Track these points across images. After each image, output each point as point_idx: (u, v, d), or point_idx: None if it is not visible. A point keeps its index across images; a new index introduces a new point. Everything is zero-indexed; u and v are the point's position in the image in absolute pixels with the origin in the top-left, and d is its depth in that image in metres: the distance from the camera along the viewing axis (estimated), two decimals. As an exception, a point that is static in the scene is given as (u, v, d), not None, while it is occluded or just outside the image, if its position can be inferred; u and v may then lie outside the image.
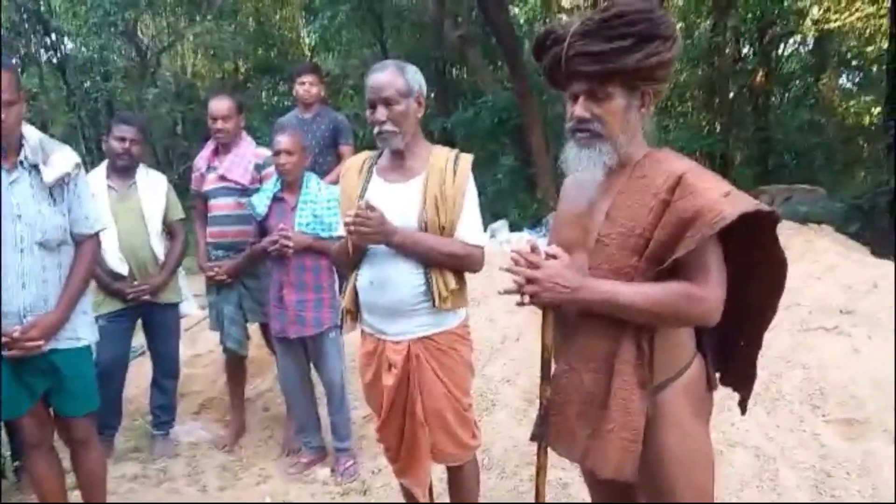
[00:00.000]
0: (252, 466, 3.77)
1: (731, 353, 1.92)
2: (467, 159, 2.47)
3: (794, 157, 13.04)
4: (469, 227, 2.41)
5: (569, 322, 1.83)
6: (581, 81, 1.72)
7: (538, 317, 1.84)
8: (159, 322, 3.83)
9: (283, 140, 3.45)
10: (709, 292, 1.64)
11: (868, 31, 12.92)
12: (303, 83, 4.46)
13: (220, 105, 3.76)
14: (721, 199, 1.59)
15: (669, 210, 1.64)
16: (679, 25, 14.31)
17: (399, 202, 2.39)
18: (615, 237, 1.72)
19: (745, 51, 13.20)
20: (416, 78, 2.43)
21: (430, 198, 2.37)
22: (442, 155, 2.46)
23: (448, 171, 2.40)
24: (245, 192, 3.70)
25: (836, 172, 12.53)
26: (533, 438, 1.90)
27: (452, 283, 2.41)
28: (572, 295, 1.71)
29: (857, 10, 12.07)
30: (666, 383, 1.77)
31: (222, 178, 3.76)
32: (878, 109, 11.74)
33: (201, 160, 3.92)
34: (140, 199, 3.69)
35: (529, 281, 1.72)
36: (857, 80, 15.10)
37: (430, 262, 2.37)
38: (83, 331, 2.64)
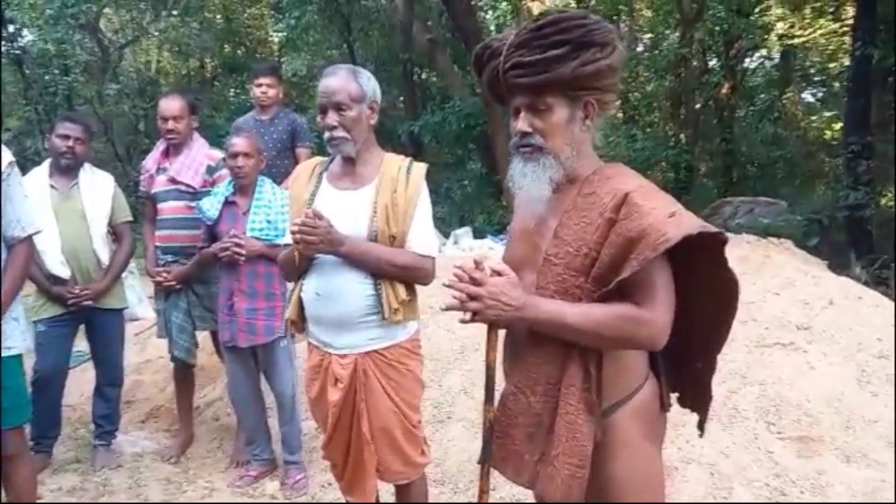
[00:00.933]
0: (198, 479, 3.65)
1: (687, 374, 1.88)
2: (421, 168, 2.41)
3: (757, 169, 13.21)
4: (420, 238, 2.35)
5: (518, 342, 1.77)
6: (521, 94, 1.67)
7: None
8: (102, 328, 3.69)
9: (239, 142, 3.35)
10: (655, 315, 1.59)
11: (831, 47, 13.16)
12: (260, 85, 4.35)
13: (170, 105, 3.63)
14: (666, 219, 1.54)
15: (615, 230, 1.60)
16: (647, 37, 14.51)
17: (349, 210, 2.32)
18: (562, 256, 1.67)
19: (711, 63, 13.35)
20: (369, 83, 2.36)
21: (380, 206, 2.30)
22: (394, 162, 2.39)
23: (400, 180, 2.34)
24: (196, 195, 3.58)
25: (797, 186, 12.72)
26: (480, 461, 1.84)
27: (403, 295, 2.34)
28: (516, 313, 1.65)
29: (820, 26, 12.28)
30: (616, 406, 1.72)
31: (172, 180, 3.63)
32: (840, 125, 11.95)
33: (151, 161, 3.79)
34: (83, 199, 3.55)
35: (472, 297, 1.66)
36: (819, 95, 15.39)
37: (380, 272, 2.30)
38: (14, 339, 2.51)
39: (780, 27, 12.53)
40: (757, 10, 11.79)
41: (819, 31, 12.45)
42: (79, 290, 3.49)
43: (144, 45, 14.35)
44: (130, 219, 3.82)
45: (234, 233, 3.27)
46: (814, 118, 14.62)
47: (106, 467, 3.68)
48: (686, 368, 1.85)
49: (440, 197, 11.51)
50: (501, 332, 1.82)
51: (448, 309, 1.72)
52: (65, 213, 3.48)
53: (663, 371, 1.83)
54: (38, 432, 3.59)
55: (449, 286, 1.70)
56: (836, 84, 13.38)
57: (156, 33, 13.02)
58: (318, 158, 2.55)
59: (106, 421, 3.80)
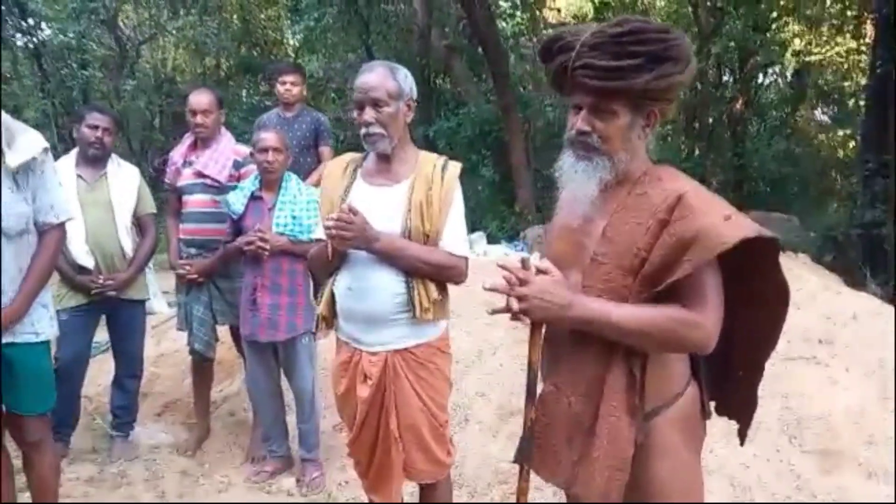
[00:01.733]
0: (214, 473, 3.64)
1: (729, 381, 1.85)
2: (456, 167, 2.40)
3: (768, 185, 13.16)
4: (454, 237, 2.34)
5: (559, 341, 1.75)
6: (586, 94, 1.64)
7: (516, 331, 1.79)
8: (124, 319, 3.69)
9: (269, 137, 3.35)
10: (705, 318, 1.57)
11: (846, 66, 13.11)
12: (284, 83, 4.36)
13: (200, 98, 3.63)
14: (722, 221, 1.52)
15: (667, 230, 1.57)
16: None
17: (383, 207, 2.31)
18: (611, 256, 1.65)
19: (725, 78, 13.32)
20: (407, 81, 2.35)
21: (415, 204, 2.29)
22: (430, 160, 2.39)
23: (435, 178, 2.33)
24: (222, 189, 3.58)
25: (808, 203, 12.66)
26: (516, 460, 1.82)
27: (434, 294, 2.33)
28: (562, 312, 1.63)
29: (838, 44, 12.24)
30: (658, 410, 1.70)
31: (199, 173, 3.63)
32: (853, 144, 11.92)
33: (178, 154, 3.79)
34: (110, 190, 3.56)
35: (518, 297, 1.64)
36: (832, 113, 15.33)
37: (413, 270, 2.29)
38: (42, 325, 2.50)
39: (797, 44, 12.49)
40: (774, 26, 11.76)
41: (836, 49, 12.39)
42: (103, 280, 3.49)
43: (161, 43, 14.40)
44: (155, 211, 3.83)
45: (259, 227, 3.27)
46: (828, 136, 14.56)
47: (123, 458, 3.68)
48: (729, 375, 1.83)
49: (453, 201, 11.43)
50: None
51: (495, 312, 1.72)
52: (91, 204, 3.49)
53: (704, 378, 1.81)
54: (57, 421, 3.57)
55: (491, 289, 1.68)
56: (851, 102, 13.33)
57: (173, 31, 13.06)
58: (351, 154, 2.53)
59: (124, 412, 3.80)
